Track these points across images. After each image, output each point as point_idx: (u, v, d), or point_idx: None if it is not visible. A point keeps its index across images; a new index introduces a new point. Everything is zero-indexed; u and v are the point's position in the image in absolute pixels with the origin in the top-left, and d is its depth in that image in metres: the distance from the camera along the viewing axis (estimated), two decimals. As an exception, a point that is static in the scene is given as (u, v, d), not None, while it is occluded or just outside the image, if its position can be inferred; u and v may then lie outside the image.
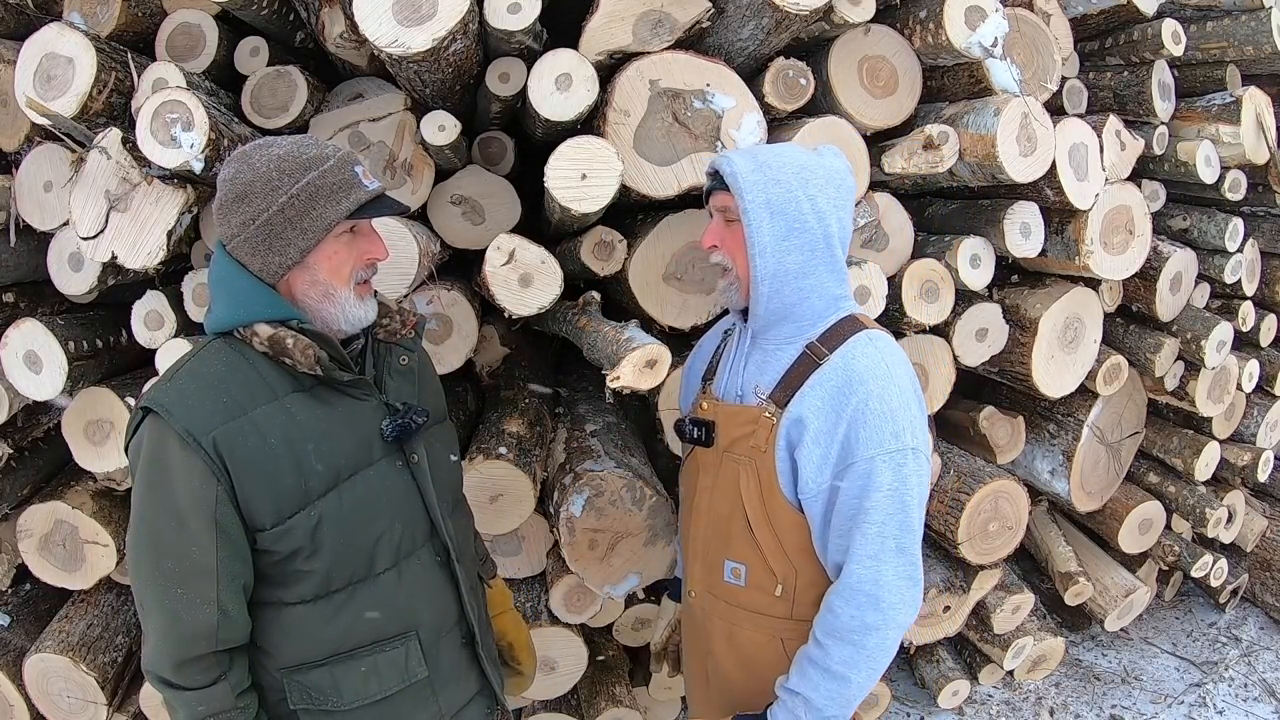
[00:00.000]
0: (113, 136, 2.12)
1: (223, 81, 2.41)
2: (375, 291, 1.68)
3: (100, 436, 2.44)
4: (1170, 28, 3.06)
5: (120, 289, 2.42)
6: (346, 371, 1.56)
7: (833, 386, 1.62)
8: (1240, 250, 3.38)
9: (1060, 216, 2.79)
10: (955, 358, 2.74)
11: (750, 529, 1.74)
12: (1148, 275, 3.08)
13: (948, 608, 3.08)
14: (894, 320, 2.60)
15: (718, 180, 1.72)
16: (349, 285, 1.55)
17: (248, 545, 1.48)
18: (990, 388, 3.24)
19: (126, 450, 1.52)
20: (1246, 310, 3.53)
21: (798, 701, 1.63)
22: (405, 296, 2.24)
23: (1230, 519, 3.68)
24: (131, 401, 2.41)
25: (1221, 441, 3.59)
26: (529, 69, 2.21)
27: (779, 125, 2.48)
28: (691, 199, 2.28)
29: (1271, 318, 3.68)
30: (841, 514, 1.62)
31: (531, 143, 2.55)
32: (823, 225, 1.65)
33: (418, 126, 2.29)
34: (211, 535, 1.43)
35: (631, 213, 2.58)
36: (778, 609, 1.76)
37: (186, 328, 2.34)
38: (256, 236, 1.48)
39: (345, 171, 1.51)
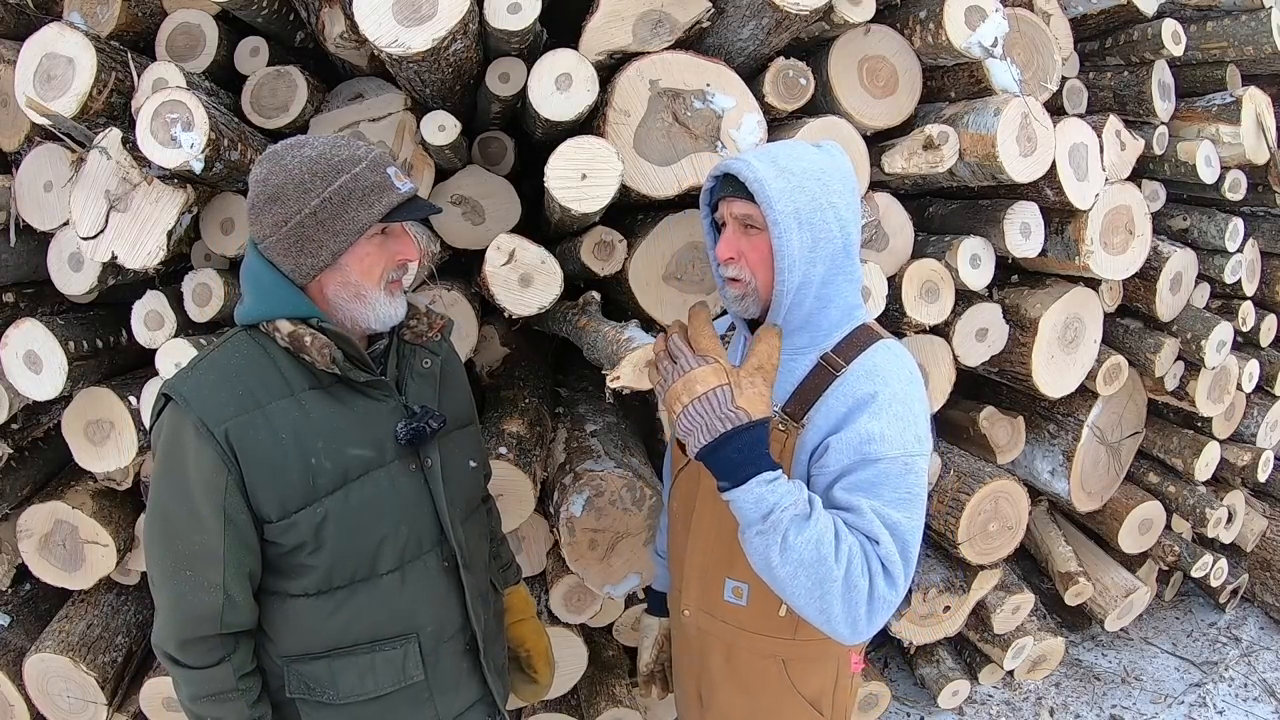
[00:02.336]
0: (113, 136, 2.12)
1: (223, 81, 2.41)
2: (405, 290, 1.68)
3: (100, 436, 2.44)
4: (1170, 28, 3.06)
5: (120, 289, 2.42)
6: (365, 372, 1.56)
7: (856, 392, 1.53)
8: (1240, 250, 3.38)
9: (1060, 216, 2.79)
10: (955, 358, 2.74)
11: None
12: (1148, 275, 3.08)
13: (948, 608, 3.08)
14: (894, 320, 2.60)
15: (732, 186, 1.59)
16: (380, 285, 1.54)
17: (255, 535, 1.50)
18: (990, 388, 3.24)
19: (150, 431, 1.56)
20: (1246, 310, 3.53)
21: (766, 502, 1.39)
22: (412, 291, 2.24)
23: (1230, 519, 3.69)
24: (133, 400, 2.41)
25: (1221, 441, 3.59)
26: (529, 69, 2.21)
27: (779, 125, 2.48)
28: (691, 199, 2.28)
29: (1271, 318, 3.68)
30: (857, 491, 1.47)
31: (531, 143, 2.55)
32: (844, 233, 1.56)
33: (418, 126, 2.29)
34: (219, 523, 1.46)
35: (631, 213, 2.58)
36: (781, 629, 1.69)
37: (186, 327, 2.34)
38: (289, 239, 1.48)
39: (378, 174, 1.49)
